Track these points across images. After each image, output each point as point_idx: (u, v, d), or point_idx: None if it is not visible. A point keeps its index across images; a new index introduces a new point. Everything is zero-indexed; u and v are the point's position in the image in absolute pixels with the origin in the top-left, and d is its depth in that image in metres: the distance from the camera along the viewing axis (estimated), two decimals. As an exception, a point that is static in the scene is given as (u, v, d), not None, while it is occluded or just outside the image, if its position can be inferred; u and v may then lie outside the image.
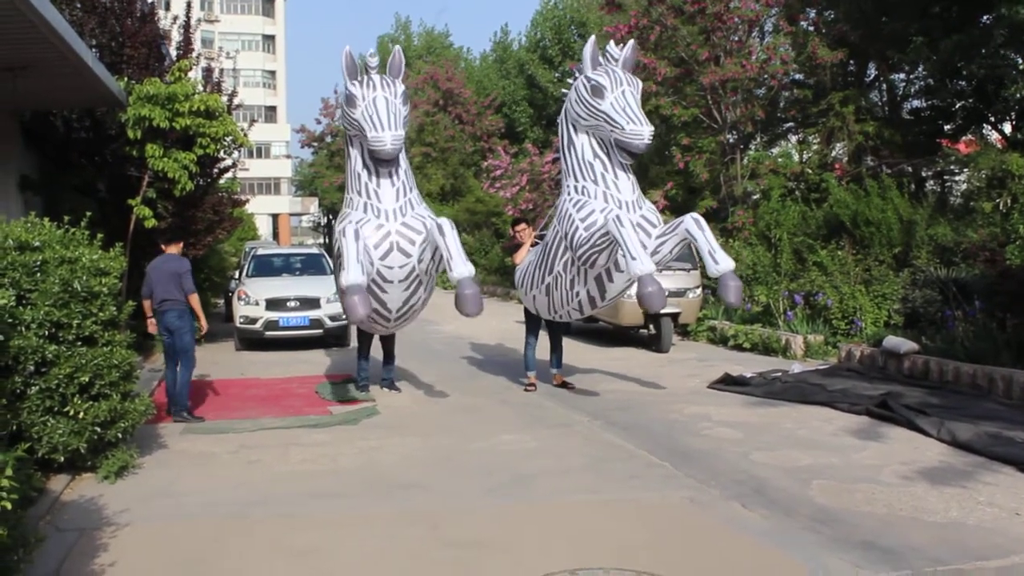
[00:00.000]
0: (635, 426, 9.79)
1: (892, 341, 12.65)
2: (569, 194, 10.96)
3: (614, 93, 10.31)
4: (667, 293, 15.73)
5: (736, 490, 7.28)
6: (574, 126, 10.90)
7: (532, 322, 12.51)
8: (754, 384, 11.93)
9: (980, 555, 5.70)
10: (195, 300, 10.54)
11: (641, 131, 10.14)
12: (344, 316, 15.82)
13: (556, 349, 12.57)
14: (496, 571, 5.49)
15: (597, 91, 10.39)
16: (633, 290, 15.43)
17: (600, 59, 10.71)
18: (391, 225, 10.64)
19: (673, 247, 10.46)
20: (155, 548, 6.00)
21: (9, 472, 3.65)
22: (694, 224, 10.11)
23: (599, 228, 10.19)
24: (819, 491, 7.19)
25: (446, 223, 10.35)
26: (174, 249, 10.69)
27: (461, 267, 9.87)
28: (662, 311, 15.62)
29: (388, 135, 10.35)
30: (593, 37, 10.99)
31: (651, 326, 15.99)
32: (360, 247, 10.08)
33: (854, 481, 7.45)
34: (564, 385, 12.28)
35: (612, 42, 11.27)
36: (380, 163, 10.70)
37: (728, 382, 12.12)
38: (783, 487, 7.33)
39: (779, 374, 12.53)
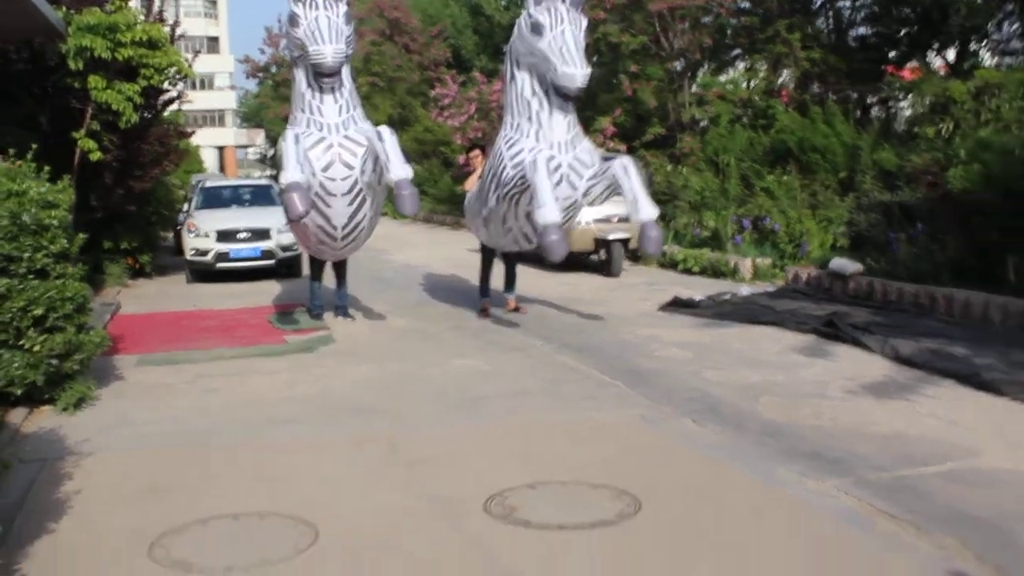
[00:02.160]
0: (588, 348, 9.96)
1: (838, 263, 12.92)
2: (505, 130, 11.02)
3: (552, 32, 10.12)
4: (617, 219, 16.17)
5: (688, 407, 7.48)
6: (517, 61, 10.81)
7: (486, 250, 12.54)
8: (703, 306, 12.15)
9: (921, 462, 5.95)
10: None
11: (574, 73, 9.99)
12: (295, 247, 15.85)
13: (510, 275, 12.63)
14: (454, 489, 5.63)
15: (536, 28, 10.24)
16: (581, 217, 15.73)
17: None
18: (333, 138, 10.71)
19: (603, 190, 10.57)
20: (119, 476, 6.07)
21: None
22: (621, 171, 10.08)
23: (522, 169, 10.26)
24: (767, 407, 7.41)
25: (385, 129, 10.49)
26: None
27: (399, 169, 9.98)
28: (611, 237, 15.84)
29: (329, 48, 10.46)
30: None
31: (601, 251, 16.15)
32: (299, 151, 10.23)
33: (801, 397, 7.69)
34: (516, 310, 12.39)
35: None
36: (322, 78, 10.73)
37: (678, 304, 12.31)
38: (733, 403, 7.55)
39: (728, 296, 12.76)
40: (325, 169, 10.59)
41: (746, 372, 8.64)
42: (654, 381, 8.40)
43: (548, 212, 9.50)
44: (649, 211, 9.82)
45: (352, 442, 6.77)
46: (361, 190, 10.85)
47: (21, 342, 7.30)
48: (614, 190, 10.45)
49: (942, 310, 11.05)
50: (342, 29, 10.67)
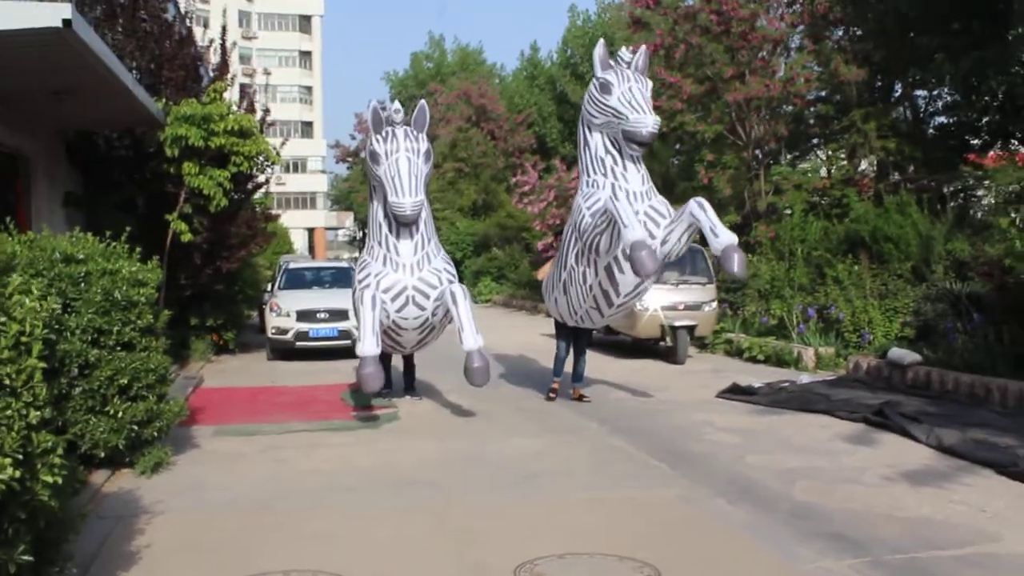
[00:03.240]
0: (641, 431, 10.30)
1: (896, 353, 13.09)
2: (581, 189, 11.42)
3: (620, 88, 10.68)
4: (683, 306, 16.54)
5: (725, 488, 7.79)
6: (588, 127, 11.28)
7: (561, 331, 12.68)
8: (760, 393, 12.40)
9: (939, 545, 6.20)
10: None
11: (644, 119, 10.49)
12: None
13: (578, 362, 12.68)
14: (490, 556, 6.04)
15: (605, 88, 10.81)
16: (647, 300, 16.07)
17: (610, 62, 11.08)
18: (408, 280, 11.19)
19: (682, 234, 10.58)
20: (187, 534, 6.61)
21: (60, 451, 4.26)
22: (697, 207, 10.27)
23: (599, 209, 10.60)
24: (802, 490, 7.69)
25: (459, 291, 11.00)
26: None
27: (471, 340, 10.65)
28: (677, 324, 16.18)
29: (408, 201, 10.85)
30: (601, 40, 11.47)
31: (668, 338, 16.49)
32: (376, 316, 10.74)
33: (838, 482, 7.95)
34: (581, 399, 12.44)
35: (624, 47, 11.54)
36: (400, 224, 11.25)
37: (736, 391, 12.59)
38: (769, 486, 7.85)
39: (786, 384, 13.00)
40: (399, 310, 11.22)
41: (789, 457, 8.91)
42: (698, 464, 8.73)
43: (634, 231, 9.81)
44: (727, 236, 9.99)
45: (404, 511, 7.21)
46: (431, 324, 11.57)
47: (107, 408, 7.94)
48: (692, 233, 10.57)
49: (996, 401, 11.17)
50: (421, 171, 11.08)
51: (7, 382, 4.02)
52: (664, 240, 10.64)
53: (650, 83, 11.09)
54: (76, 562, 5.06)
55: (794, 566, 5.84)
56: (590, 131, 11.28)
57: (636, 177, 11.00)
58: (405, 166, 10.94)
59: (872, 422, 10.40)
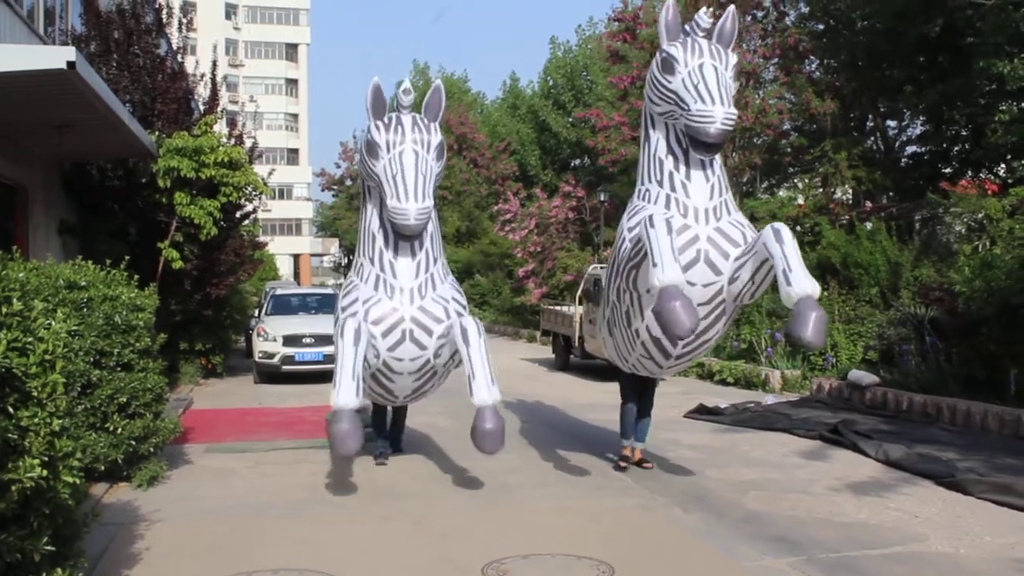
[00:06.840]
0: (609, 448, 10.87)
1: (855, 374, 13.77)
2: (631, 202, 8.93)
3: (688, 67, 8.06)
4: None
5: (681, 498, 8.42)
6: (651, 118, 8.68)
7: (625, 382, 10.00)
8: (726, 414, 13.03)
9: (869, 545, 6.84)
10: None
11: (711, 111, 7.80)
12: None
13: (640, 419, 9.97)
14: (462, 554, 6.64)
15: (667, 66, 8.21)
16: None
17: (682, 30, 8.46)
18: (406, 310, 8.87)
19: (754, 271, 7.86)
20: (183, 538, 7.18)
21: (79, 454, 4.85)
22: (772, 236, 7.49)
23: (637, 234, 8.02)
24: (753, 499, 8.32)
25: (472, 327, 8.60)
26: None
27: (484, 392, 8.23)
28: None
29: (413, 208, 8.44)
30: (672, 1, 8.54)
31: (642, 362, 17.03)
32: (359, 355, 8.31)
33: (787, 491, 8.58)
34: (640, 463, 9.89)
35: (703, 10, 8.73)
36: (401, 237, 8.96)
37: (703, 412, 13.23)
38: (723, 496, 8.47)
39: (751, 405, 13.64)
40: (392, 348, 8.89)
41: (745, 471, 9.54)
42: (659, 477, 9.35)
43: (664, 272, 7.21)
44: (803, 285, 7.16)
45: (385, 517, 7.82)
46: (432, 368, 9.21)
47: (107, 425, 8.51)
48: (769, 272, 7.70)
49: (947, 419, 11.83)
50: (431, 170, 8.75)
51: (35, 394, 4.60)
52: (734, 277, 8.05)
53: (734, 59, 8.33)
54: (87, 557, 5.60)
55: (737, 563, 6.46)
56: (653, 124, 8.66)
57: (702, 189, 8.31)
58: (411, 162, 8.58)
59: (827, 439, 11.04)
